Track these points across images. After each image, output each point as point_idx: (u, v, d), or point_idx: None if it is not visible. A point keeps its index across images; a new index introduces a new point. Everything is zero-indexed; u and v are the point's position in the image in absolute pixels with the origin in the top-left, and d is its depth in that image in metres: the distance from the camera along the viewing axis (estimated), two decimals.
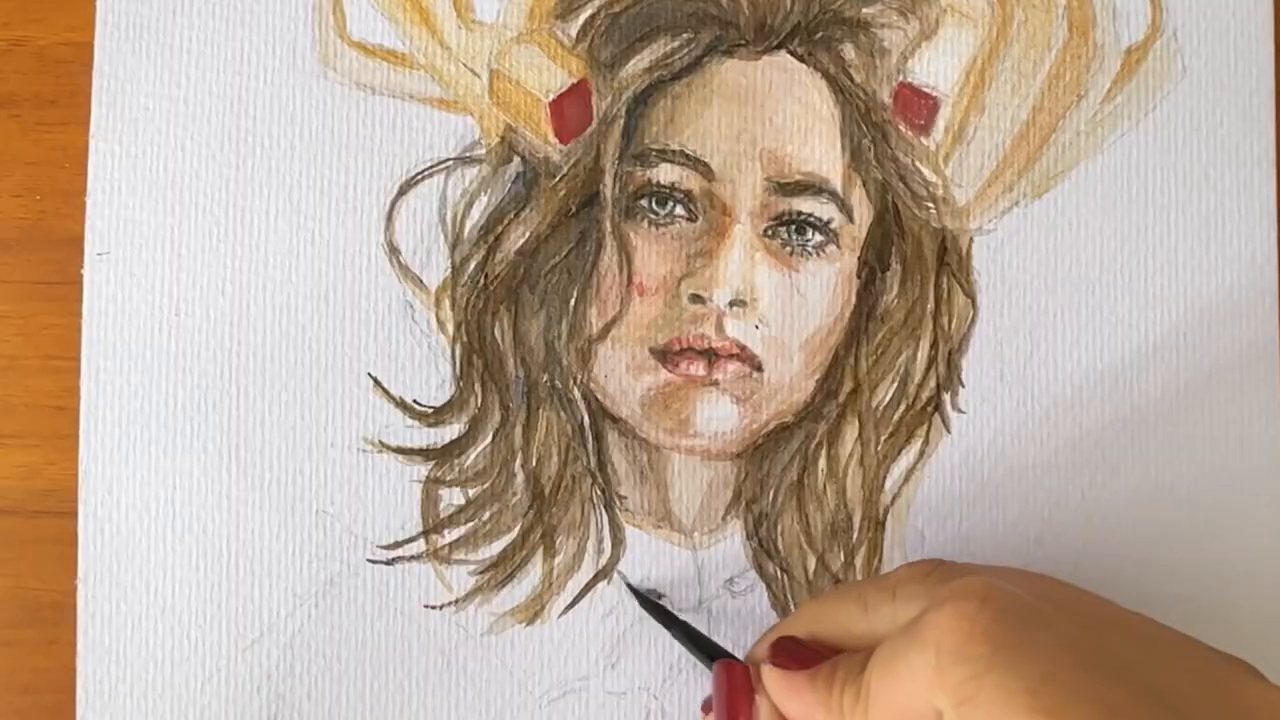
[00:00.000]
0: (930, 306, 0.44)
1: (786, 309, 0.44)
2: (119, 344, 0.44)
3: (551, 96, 0.44)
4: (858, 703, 0.35)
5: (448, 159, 0.44)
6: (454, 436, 0.44)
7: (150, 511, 0.43)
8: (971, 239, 0.44)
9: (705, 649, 0.41)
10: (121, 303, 0.44)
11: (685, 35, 0.44)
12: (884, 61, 0.44)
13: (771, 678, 0.38)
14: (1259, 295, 0.44)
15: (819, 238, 0.44)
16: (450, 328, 0.44)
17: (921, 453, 0.44)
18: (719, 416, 0.44)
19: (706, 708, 0.40)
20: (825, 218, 0.44)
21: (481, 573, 0.44)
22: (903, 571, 0.37)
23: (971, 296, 0.44)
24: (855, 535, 0.44)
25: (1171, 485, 0.44)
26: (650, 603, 0.43)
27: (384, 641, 0.43)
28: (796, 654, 0.38)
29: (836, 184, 0.44)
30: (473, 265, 0.44)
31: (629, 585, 0.43)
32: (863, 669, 0.35)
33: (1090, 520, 0.44)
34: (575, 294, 0.44)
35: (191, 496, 0.43)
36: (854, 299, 0.44)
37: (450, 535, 0.44)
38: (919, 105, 0.44)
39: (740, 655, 0.41)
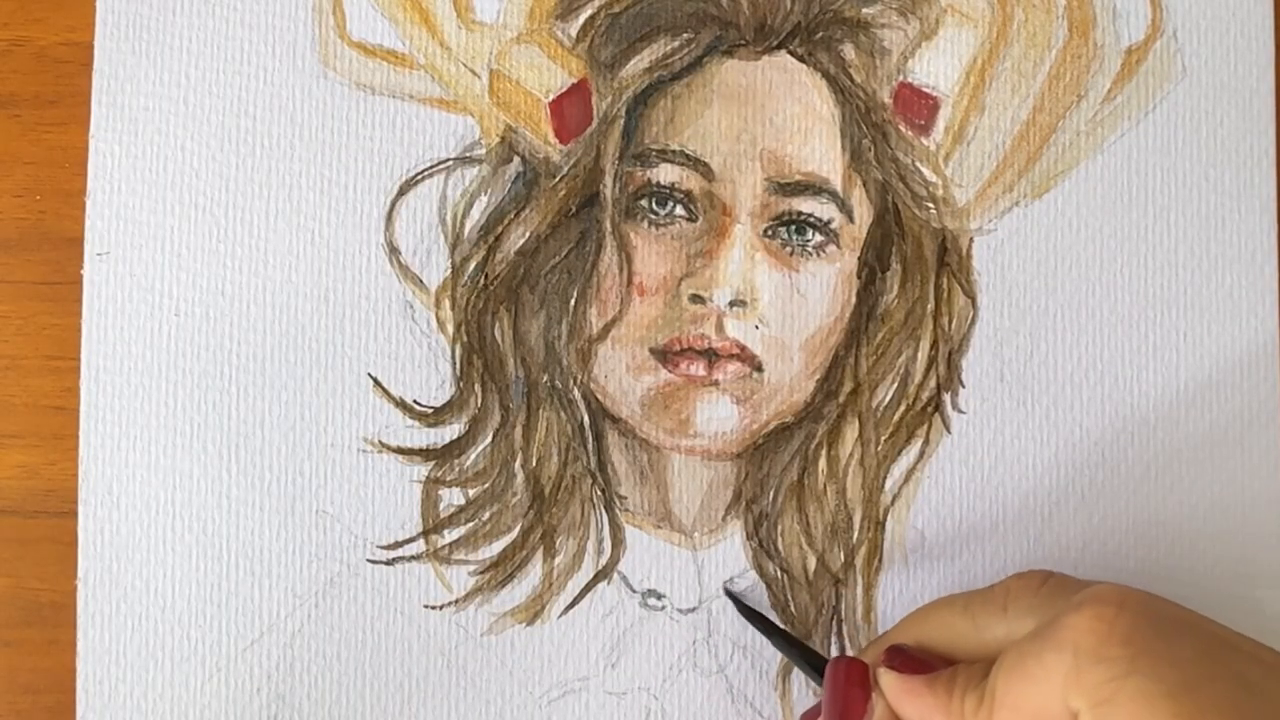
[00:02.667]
0: (930, 306, 0.44)
1: (786, 309, 0.44)
2: (119, 344, 0.44)
3: (551, 96, 0.44)
4: (981, 706, 0.35)
5: (448, 159, 0.44)
6: (454, 436, 0.44)
7: (150, 511, 0.43)
8: (971, 239, 0.44)
9: (808, 658, 0.41)
10: (121, 303, 0.44)
11: (685, 35, 0.44)
12: (884, 61, 0.44)
13: (889, 680, 0.37)
14: (1259, 295, 0.44)
15: (819, 238, 0.44)
16: (450, 328, 0.44)
17: (921, 453, 0.44)
18: (719, 416, 0.44)
19: (808, 717, 0.41)
20: (825, 218, 0.44)
21: (481, 573, 0.44)
22: (1012, 584, 0.37)
23: (971, 296, 0.44)
24: (855, 535, 0.44)
25: (1171, 485, 0.44)
26: (751, 611, 0.43)
27: (384, 641, 0.43)
28: (912, 660, 0.38)
29: (836, 184, 0.44)
30: (473, 265, 0.44)
31: (728, 593, 0.43)
32: (984, 675, 0.35)
33: (1090, 520, 0.44)
34: (575, 294, 0.44)
35: (191, 496, 0.43)
36: (854, 299, 0.44)
37: (450, 535, 0.44)
38: (919, 105, 0.44)
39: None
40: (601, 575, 0.44)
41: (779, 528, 0.44)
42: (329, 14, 0.44)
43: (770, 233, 0.44)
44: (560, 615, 0.44)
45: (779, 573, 0.44)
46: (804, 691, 0.43)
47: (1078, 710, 0.32)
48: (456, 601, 0.43)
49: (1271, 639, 0.35)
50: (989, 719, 0.34)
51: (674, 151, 0.44)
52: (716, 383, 0.44)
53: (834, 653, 0.43)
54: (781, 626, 0.43)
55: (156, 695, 0.43)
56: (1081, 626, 0.33)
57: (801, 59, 0.44)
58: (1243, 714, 0.31)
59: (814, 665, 0.41)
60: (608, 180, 0.44)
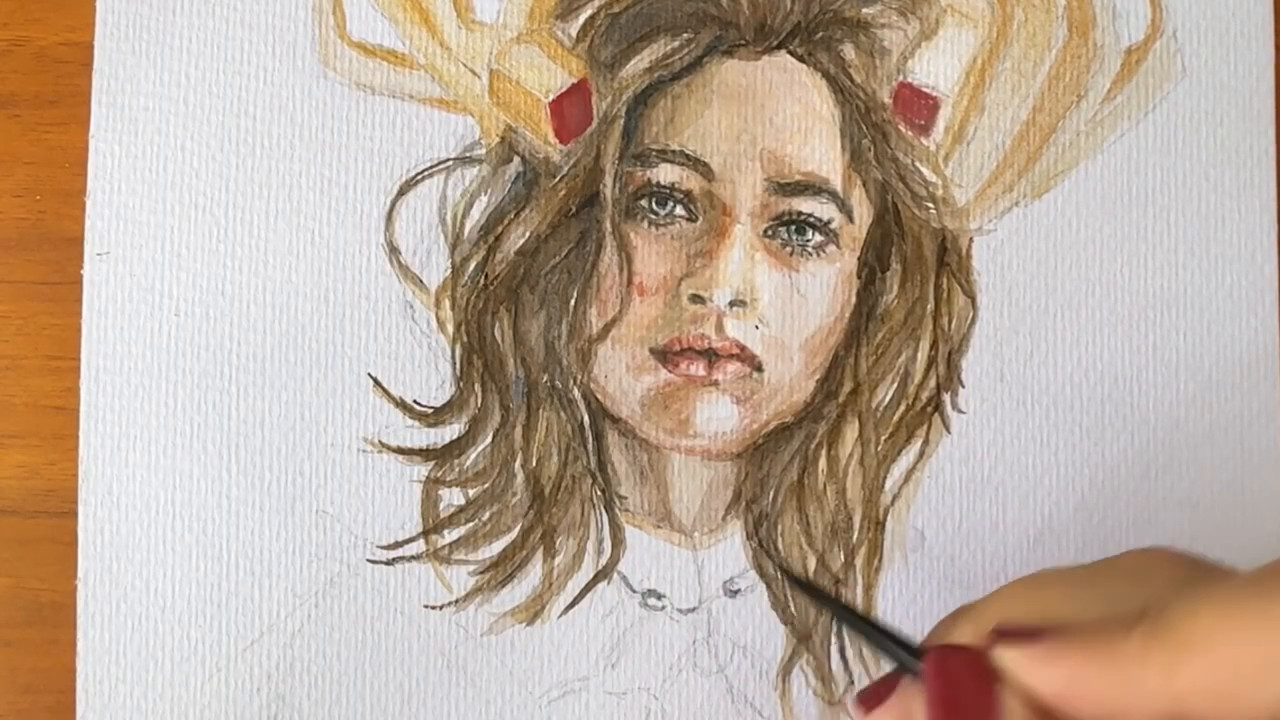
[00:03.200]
0: (930, 306, 0.44)
1: (786, 309, 0.44)
2: (119, 344, 0.44)
3: (551, 96, 0.44)
4: (1154, 645, 0.29)
5: (448, 159, 0.44)
6: (454, 436, 0.44)
7: (150, 511, 0.43)
8: (971, 239, 0.44)
9: (884, 645, 0.34)
10: (121, 303, 0.44)
11: (685, 35, 0.44)
12: (884, 61, 0.44)
13: (1015, 656, 0.30)
14: (1259, 295, 0.44)
15: (819, 238, 0.44)
16: (450, 328, 0.44)
17: (921, 453, 0.44)
18: (719, 416, 0.44)
19: (868, 701, 0.33)
20: (825, 218, 0.44)
21: (481, 573, 0.44)
22: (1140, 558, 0.33)
23: (971, 296, 0.44)
24: (855, 535, 0.44)
25: (1172, 485, 0.44)
26: (818, 591, 0.40)
27: (384, 641, 0.43)
28: (1029, 631, 0.31)
29: (836, 184, 0.44)
30: (473, 265, 0.44)
31: (788, 575, 0.40)
32: (1143, 620, 0.29)
33: (1090, 520, 0.44)
34: (575, 294, 0.44)
35: (191, 496, 0.43)
36: (854, 299, 0.44)
37: (450, 535, 0.44)
38: (919, 105, 0.44)
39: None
40: (601, 575, 0.44)
41: (779, 528, 0.44)
42: (329, 14, 0.44)
43: (770, 233, 0.44)
44: (560, 615, 0.44)
45: (779, 573, 0.44)
46: (804, 691, 0.43)
47: None
48: (456, 601, 0.43)
49: None
50: (1173, 659, 0.29)
51: (674, 151, 0.44)
52: (716, 383, 0.44)
53: (834, 652, 0.43)
54: (857, 609, 0.40)
55: (156, 695, 0.43)
56: None
57: (801, 59, 0.44)
58: None
59: (881, 642, 0.34)
60: (608, 180, 0.44)
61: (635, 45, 0.44)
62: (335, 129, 0.44)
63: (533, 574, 0.44)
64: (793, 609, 0.44)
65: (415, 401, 0.44)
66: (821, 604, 0.42)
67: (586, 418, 0.44)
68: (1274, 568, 0.30)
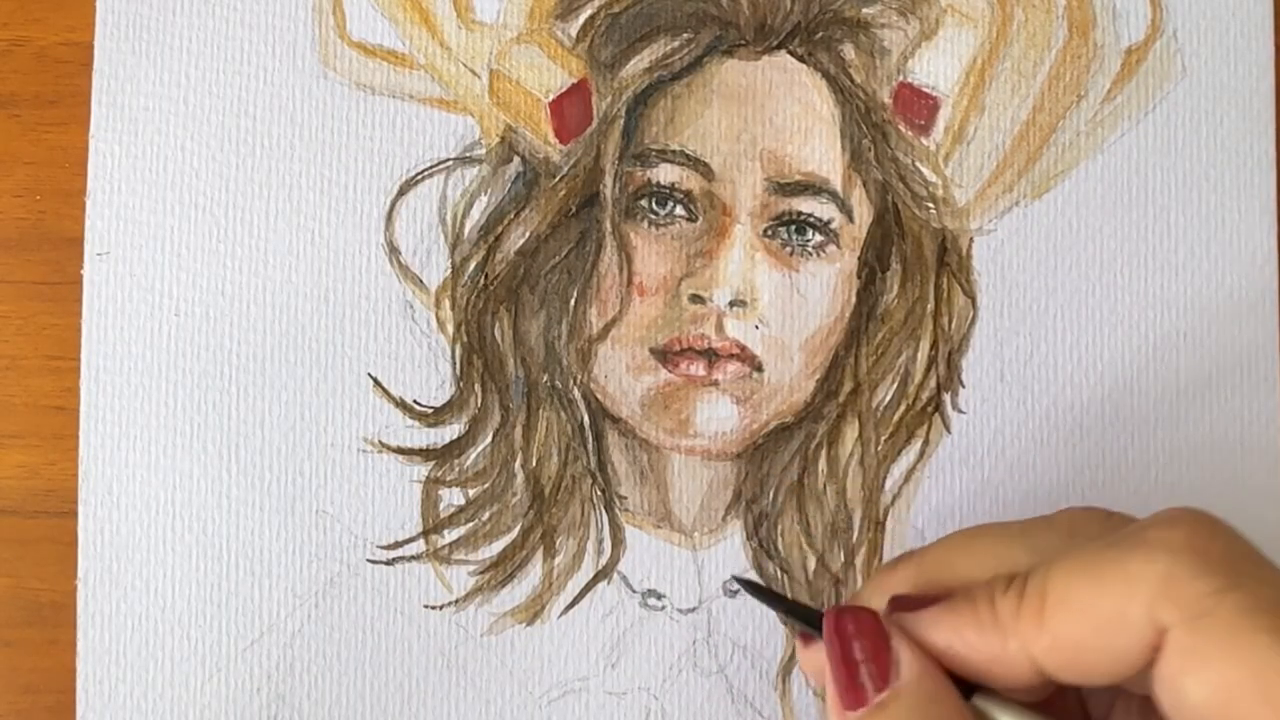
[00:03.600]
0: (930, 306, 0.44)
1: (786, 309, 0.44)
2: (119, 344, 0.44)
3: (551, 96, 0.44)
4: (1024, 606, 0.31)
5: (448, 159, 0.44)
6: (454, 437, 0.44)
7: (150, 511, 0.43)
8: (971, 239, 0.44)
9: (792, 609, 0.38)
10: (121, 303, 0.44)
11: (685, 35, 0.44)
12: (884, 61, 0.44)
13: (904, 620, 0.33)
14: (1259, 295, 0.44)
15: (819, 238, 0.44)
16: (450, 328, 0.44)
17: (921, 453, 0.44)
18: (719, 416, 0.44)
19: (804, 638, 0.36)
20: (825, 218, 0.44)
21: (481, 573, 0.44)
22: (1077, 513, 0.35)
23: (971, 296, 0.44)
24: (855, 535, 0.44)
25: (1172, 485, 0.44)
26: (767, 591, 0.41)
27: (384, 641, 0.43)
28: (922, 597, 0.34)
29: (836, 184, 0.44)
30: (473, 265, 0.44)
31: (740, 580, 0.41)
32: (1024, 581, 0.32)
33: None
34: (575, 294, 0.44)
35: (191, 496, 0.43)
36: (854, 299, 0.44)
37: (450, 535, 0.44)
38: (919, 105, 0.44)
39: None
40: (601, 575, 0.44)
41: (779, 528, 0.44)
42: (329, 14, 0.44)
43: (770, 233, 0.44)
44: (560, 615, 0.44)
45: (779, 573, 0.44)
46: (804, 691, 0.43)
47: (1168, 623, 0.30)
48: (456, 601, 0.43)
49: None
50: (1038, 618, 0.31)
51: (674, 151, 0.44)
52: (716, 383, 0.44)
53: None
54: (800, 603, 0.42)
55: (156, 695, 0.43)
56: (1178, 540, 0.31)
57: (801, 59, 0.44)
58: None
59: (791, 609, 0.38)
60: (608, 180, 0.44)
61: (635, 45, 0.44)
62: (335, 129, 0.44)
63: (533, 574, 0.44)
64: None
65: (415, 401, 0.44)
66: (768, 603, 0.40)
67: (586, 418, 0.44)
68: (1131, 531, 0.32)
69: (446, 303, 0.44)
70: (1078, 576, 0.31)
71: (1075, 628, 0.31)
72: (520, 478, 0.44)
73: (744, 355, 0.44)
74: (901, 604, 0.34)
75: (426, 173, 0.44)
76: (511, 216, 0.44)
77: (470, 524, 0.44)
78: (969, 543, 0.35)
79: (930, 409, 0.44)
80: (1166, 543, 0.31)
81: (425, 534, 0.44)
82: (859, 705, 0.33)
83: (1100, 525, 0.35)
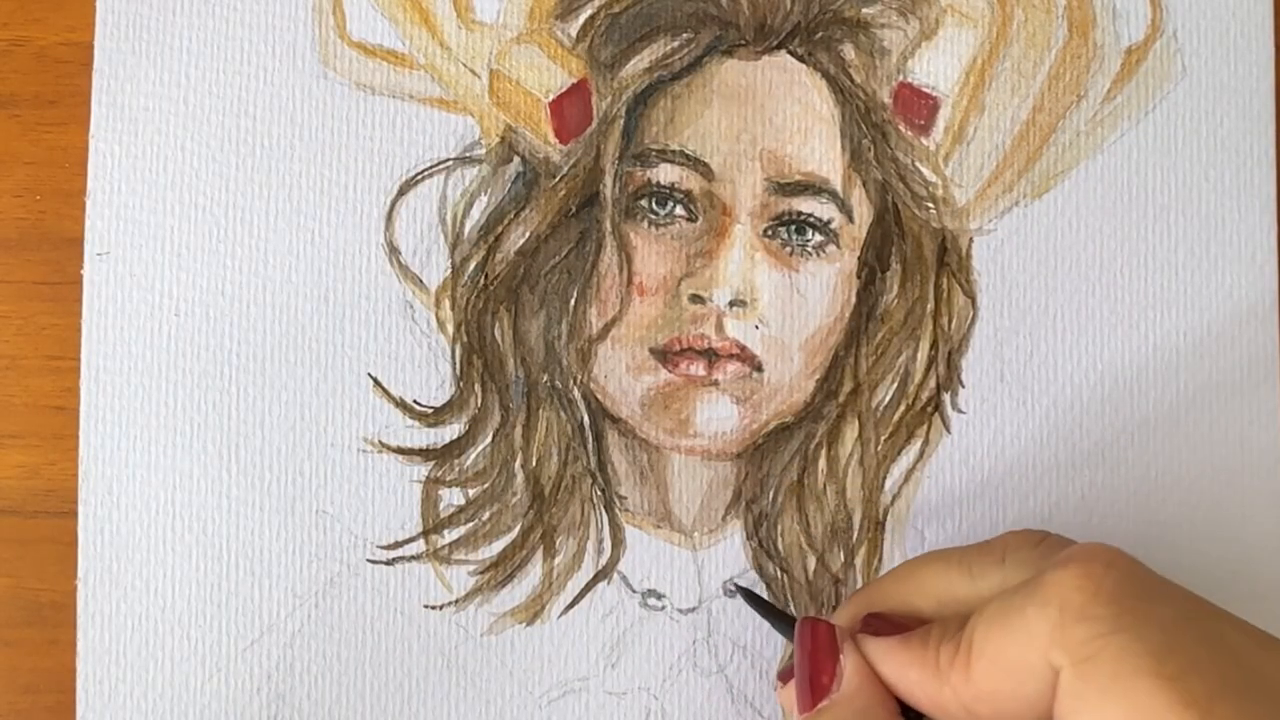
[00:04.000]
0: (930, 306, 0.44)
1: (786, 309, 0.44)
2: (119, 344, 0.44)
3: (551, 96, 0.44)
4: (958, 655, 0.34)
5: (448, 159, 0.44)
6: (454, 436, 0.44)
7: (150, 511, 0.43)
8: (971, 239, 0.44)
9: (785, 621, 0.41)
10: (121, 303, 0.44)
11: (685, 35, 0.44)
12: (884, 61, 0.44)
13: (865, 644, 0.37)
14: (1259, 295, 0.44)
15: (819, 238, 0.44)
16: (450, 328, 0.44)
17: (921, 453, 0.44)
18: (719, 416, 0.44)
19: (784, 677, 0.39)
20: (825, 218, 0.44)
21: (481, 573, 0.44)
22: (1011, 538, 0.37)
23: (971, 296, 0.44)
24: (855, 535, 0.44)
25: (1172, 485, 0.44)
26: (761, 601, 0.42)
27: (384, 641, 0.43)
28: (888, 623, 0.37)
29: (836, 184, 0.44)
30: (473, 265, 0.44)
31: (738, 588, 0.43)
32: (961, 627, 0.35)
33: (1090, 520, 0.44)
34: (575, 294, 0.44)
35: (191, 496, 0.43)
36: (854, 299, 0.44)
37: (450, 535, 0.44)
38: (919, 105, 0.44)
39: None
40: (601, 575, 0.44)
41: (779, 528, 0.44)
42: (329, 14, 0.44)
43: (770, 233, 0.44)
44: (560, 615, 0.44)
45: (779, 573, 0.44)
46: None
47: (1059, 666, 0.32)
48: (456, 601, 0.43)
49: None
50: (966, 669, 0.34)
51: (674, 151, 0.44)
52: (716, 383, 0.44)
53: None
54: (786, 612, 0.43)
55: (156, 695, 0.43)
56: (1068, 583, 0.33)
57: (801, 59, 0.44)
58: (1224, 675, 0.31)
59: (771, 614, 0.41)
60: (608, 180, 0.44)
61: (635, 45, 0.44)
62: (335, 129, 0.44)
63: (533, 574, 0.44)
64: (793, 609, 0.44)
65: (415, 401, 0.44)
66: (761, 613, 0.42)
67: (586, 418, 0.44)
68: (1037, 574, 0.34)
69: (446, 303, 0.44)
70: (992, 627, 0.34)
71: (993, 678, 0.33)
72: (520, 478, 0.44)
73: (744, 355, 0.44)
74: (871, 624, 0.37)
75: (426, 173, 0.44)
76: (511, 216, 0.44)
77: (470, 524, 0.44)
78: (913, 572, 0.38)
79: (930, 409, 0.44)
80: (1059, 586, 0.33)
81: (425, 534, 0.44)
82: (806, 710, 0.37)
83: (1030, 552, 0.36)
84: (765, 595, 0.44)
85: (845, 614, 0.39)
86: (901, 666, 0.36)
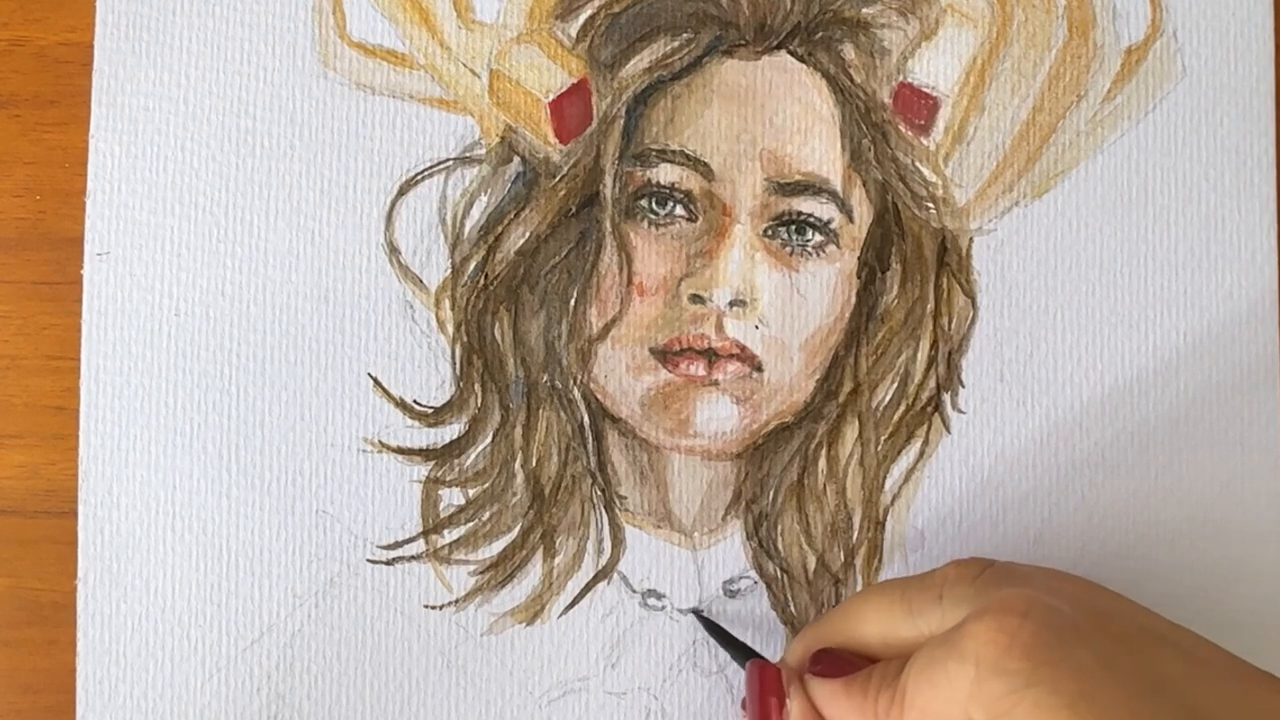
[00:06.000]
0: (930, 306, 0.44)
1: (786, 309, 0.44)
2: (119, 344, 0.44)
3: (551, 96, 0.44)
4: (893, 706, 0.35)
5: (448, 159, 0.44)
6: (454, 436, 0.44)
7: (150, 511, 0.43)
8: (971, 239, 0.44)
9: (741, 651, 0.41)
10: (121, 303, 0.44)
11: (685, 35, 0.44)
12: (884, 61, 0.44)
13: (811, 685, 0.38)
14: (1259, 295, 0.44)
15: (819, 238, 0.44)
16: (450, 328, 0.44)
17: (921, 453, 0.44)
18: (719, 416, 0.44)
19: (745, 705, 0.41)
20: (825, 218, 0.44)
21: (481, 573, 0.44)
22: (951, 571, 0.37)
23: (971, 296, 0.44)
24: (855, 535, 0.44)
25: (1172, 485, 0.44)
26: (713, 626, 0.43)
27: (384, 641, 0.43)
28: (834, 662, 0.38)
29: (836, 184, 0.44)
30: (473, 265, 0.44)
31: (695, 614, 0.43)
32: (898, 674, 0.35)
33: (1090, 520, 0.44)
34: (575, 294, 0.44)
35: (191, 496, 0.43)
36: (854, 299, 0.44)
37: (450, 535, 0.44)
38: (919, 105, 0.44)
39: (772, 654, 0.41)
40: (601, 575, 0.44)
41: (779, 528, 0.44)
42: (329, 14, 0.44)
43: (770, 233, 0.44)
44: (560, 615, 0.44)
45: (779, 573, 0.44)
46: None
47: None
48: (456, 601, 0.43)
49: (1272, 639, 0.35)
50: (899, 717, 0.35)
51: (674, 151, 0.44)
52: (716, 383, 0.44)
53: None
54: (715, 622, 0.43)
55: (156, 695, 0.43)
56: (982, 637, 0.33)
57: (801, 59, 0.44)
58: (1139, 717, 0.31)
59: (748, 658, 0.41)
60: (608, 180, 0.44)
61: (635, 45, 0.44)
62: (335, 129, 0.44)
63: (533, 574, 0.44)
64: (793, 609, 0.44)
65: (415, 401, 0.44)
66: (714, 637, 0.43)
67: (586, 418, 0.44)
68: (959, 625, 0.34)
69: (446, 303, 0.44)
70: (919, 679, 0.34)
71: None
72: (520, 478, 0.44)
73: (744, 355, 0.44)
74: (819, 662, 0.38)
75: (426, 173, 0.44)
76: (511, 216, 0.44)
77: (470, 524, 0.44)
78: (859, 608, 0.39)
79: (930, 409, 0.44)
80: (975, 640, 0.33)
81: (425, 534, 0.44)
82: None
83: (968, 588, 0.36)
84: (765, 598, 0.44)
85: (798, 649, 0.40)
86: (843, 712, 0.37)
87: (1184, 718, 0.31)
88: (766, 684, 0.39)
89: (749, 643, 0.42)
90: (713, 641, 0.43)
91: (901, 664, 0.35)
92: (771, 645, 0.43)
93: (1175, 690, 0.32)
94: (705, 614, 0.43)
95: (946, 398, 0.44)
